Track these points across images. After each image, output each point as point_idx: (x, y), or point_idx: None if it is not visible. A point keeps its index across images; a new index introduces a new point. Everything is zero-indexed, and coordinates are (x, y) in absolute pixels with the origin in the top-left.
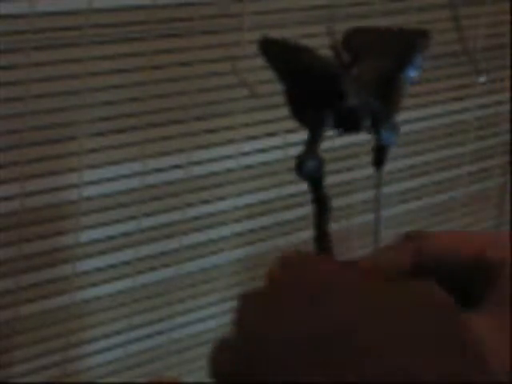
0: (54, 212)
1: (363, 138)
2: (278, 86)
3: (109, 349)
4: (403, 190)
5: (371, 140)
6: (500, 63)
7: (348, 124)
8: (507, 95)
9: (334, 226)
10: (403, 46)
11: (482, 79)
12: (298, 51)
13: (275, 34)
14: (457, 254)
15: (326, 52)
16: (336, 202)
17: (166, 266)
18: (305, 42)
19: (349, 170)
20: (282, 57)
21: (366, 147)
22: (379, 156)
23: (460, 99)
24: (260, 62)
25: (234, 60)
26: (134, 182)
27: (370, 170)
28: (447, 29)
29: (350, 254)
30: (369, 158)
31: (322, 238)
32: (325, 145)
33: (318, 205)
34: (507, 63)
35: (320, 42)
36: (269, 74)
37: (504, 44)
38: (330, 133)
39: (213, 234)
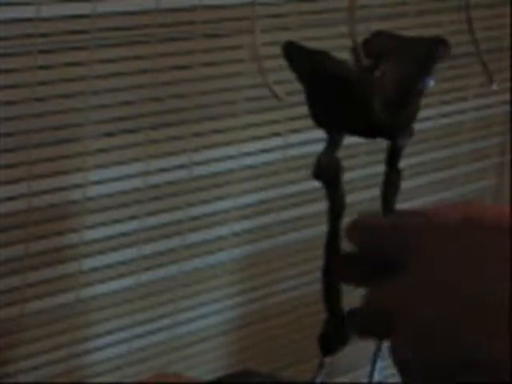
0: (59, 211)
1: (362, 139)
2: (280, 88)
3: (113, 345)
4: (400, 189)
5: (370, 141)
6: (496, 66)
7: (366, 129)
8: (503, 97)
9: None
10: (423, 53)
11: (495, 86)
12: (319, 56)
13: (280, 37)
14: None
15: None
16: None
17: (169, 263)
18: (309, 45)
19: (347, 170)
20: (304, 61)
21: (366, 147)
22: (393, 158)
23: (455, 101)
24: (266, 64)
25: (259, 61)
26: (138, 182)
27: (368, 170)
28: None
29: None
30: (368, 159)
31: (334, 234)
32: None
33: (333, 204)
34: (504, 66)
35: (322, 45)
36: (272, 76)
37: (503, 47)
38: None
39: (215, 232)
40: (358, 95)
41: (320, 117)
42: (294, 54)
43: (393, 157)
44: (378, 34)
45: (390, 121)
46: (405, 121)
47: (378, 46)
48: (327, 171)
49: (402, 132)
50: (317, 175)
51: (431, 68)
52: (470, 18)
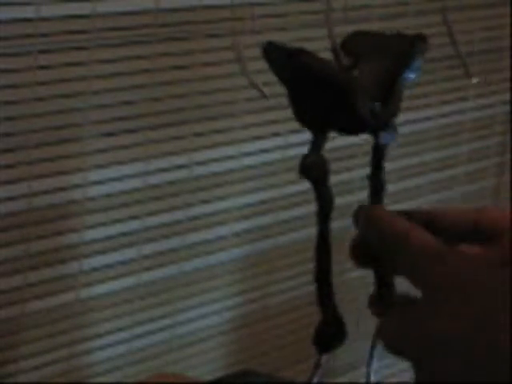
0: (59, 211)
1: (361, 138)
2: (280, 88)
3: (113, 345)
4: (400, 189)
5: (369, 141)
6: (496, 66)
7: (350, 126)
8: (503, 97)
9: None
10: (402, 49)
11: (475, 80)
12: (300, 55)
13: (275, 37)
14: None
15: (325, 55)
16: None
17: (169, 263)
18: (304, 45)
19: (347, 170)
20: (285, 61)
21: (364, 148)
22: (379, 156)
23: (455, 101)
24: (261, 64)
25: (243, 62)
26: (138, 182)
27: (367, 171)
28: (443, 33)
29: (346, 253)
30: (367, 159)
31: (324, 235)
32: (326, 145)
33: (322, 204)
34: (504, 66)
35: (318, 45)
36: (270, 76)
37: (503, 47)
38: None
39: (215, 232)
40: (341, 93)
41: (304, 116)
42: (274, 55)
43: (377, 156)
44: (357, 34)
45: (372, 117)
46: (387, 116)
47: (357, 45)
48: (314, 170)
49: (385, 127)
50: (303, 174)
51: (410, 63)
52: (447, 19)
